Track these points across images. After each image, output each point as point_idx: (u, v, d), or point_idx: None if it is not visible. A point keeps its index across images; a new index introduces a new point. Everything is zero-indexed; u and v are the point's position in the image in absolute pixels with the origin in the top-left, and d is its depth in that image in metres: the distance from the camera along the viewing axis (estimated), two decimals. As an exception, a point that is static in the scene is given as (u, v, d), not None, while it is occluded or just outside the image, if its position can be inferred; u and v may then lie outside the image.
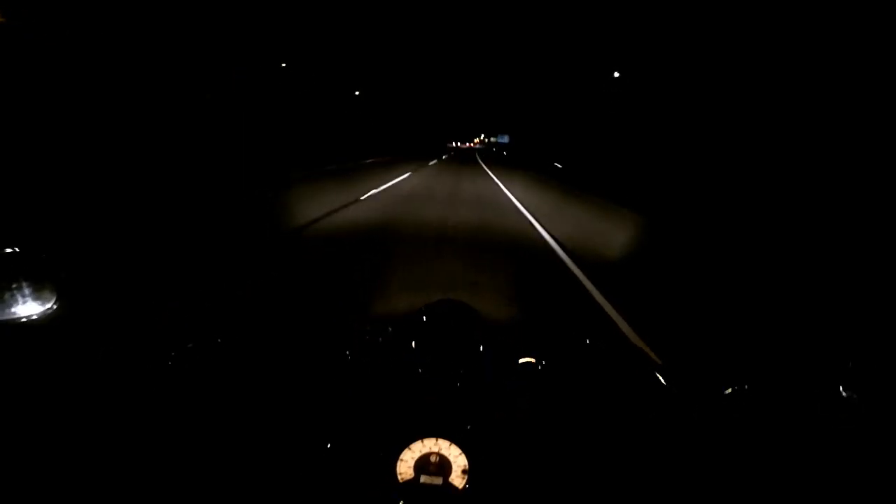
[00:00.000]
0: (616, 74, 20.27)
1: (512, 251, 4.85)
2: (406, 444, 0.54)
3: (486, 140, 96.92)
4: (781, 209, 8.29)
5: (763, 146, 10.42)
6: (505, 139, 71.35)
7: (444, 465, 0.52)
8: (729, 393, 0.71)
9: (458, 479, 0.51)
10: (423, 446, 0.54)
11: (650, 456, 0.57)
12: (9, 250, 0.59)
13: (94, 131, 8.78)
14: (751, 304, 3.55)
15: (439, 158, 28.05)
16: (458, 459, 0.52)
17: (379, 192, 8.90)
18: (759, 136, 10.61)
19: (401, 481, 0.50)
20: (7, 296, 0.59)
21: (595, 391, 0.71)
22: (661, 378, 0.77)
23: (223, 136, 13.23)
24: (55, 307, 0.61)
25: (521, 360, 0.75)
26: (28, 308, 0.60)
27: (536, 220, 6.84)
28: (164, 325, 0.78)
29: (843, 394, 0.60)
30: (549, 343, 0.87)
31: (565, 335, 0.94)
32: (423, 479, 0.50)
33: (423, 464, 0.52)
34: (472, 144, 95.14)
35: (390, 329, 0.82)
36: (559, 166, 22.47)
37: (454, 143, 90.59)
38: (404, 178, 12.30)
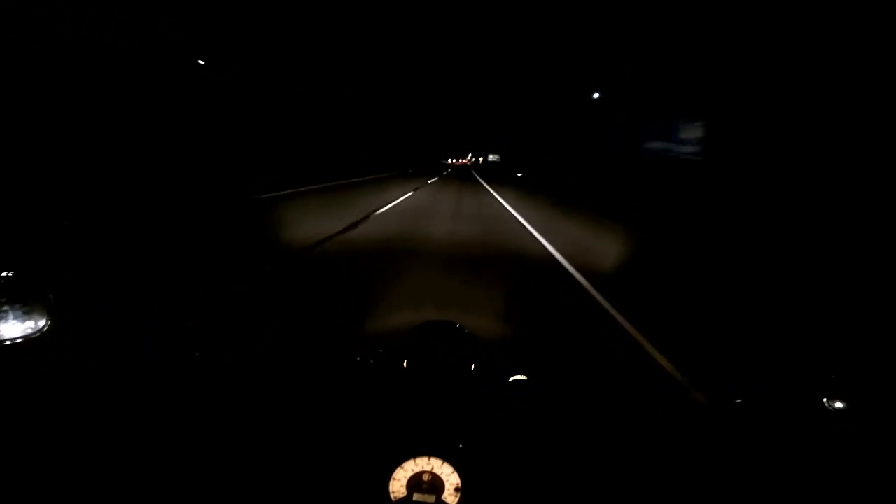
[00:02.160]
0: (596, 95, 20.48)
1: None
2: (399, 462, 0.54)
3: (475, 160, 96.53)
4: (764, 220, 8.39)
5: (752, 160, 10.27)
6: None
7: (436, 484, 0.52)
8: (717, 407, 0.72)
9: (450, 498, 0.51)
10: (416, 465, 0.54)
11: (641, 476, 0.58)
12: (2, 273, 0.60)
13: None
14: (734, 315, 3.58)
15: (440, 175, 28.58)
16: (450, 478, 0.53)
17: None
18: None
19: (394, 500, 0.50)
20: None
21: (587, 409, 0.72)
22: (653, 395, 0.78)
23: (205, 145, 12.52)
24: (46, 328, 0.61)
25: (512, 379, 0.75)
26: (17, 329, 0.60)
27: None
28: (148, 342, 0.77)
29: (827, 406, 0.61)
30: (540, 361, 0.88)
31: (557, 353, 0.95)
32: (415, 497, 0.50)
33: (415, 482, 0.52)
34: (465, 161, 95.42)
35: (381, 350, 0.82)
36: (520, 175, 28.12)
37: (451, 160, 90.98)
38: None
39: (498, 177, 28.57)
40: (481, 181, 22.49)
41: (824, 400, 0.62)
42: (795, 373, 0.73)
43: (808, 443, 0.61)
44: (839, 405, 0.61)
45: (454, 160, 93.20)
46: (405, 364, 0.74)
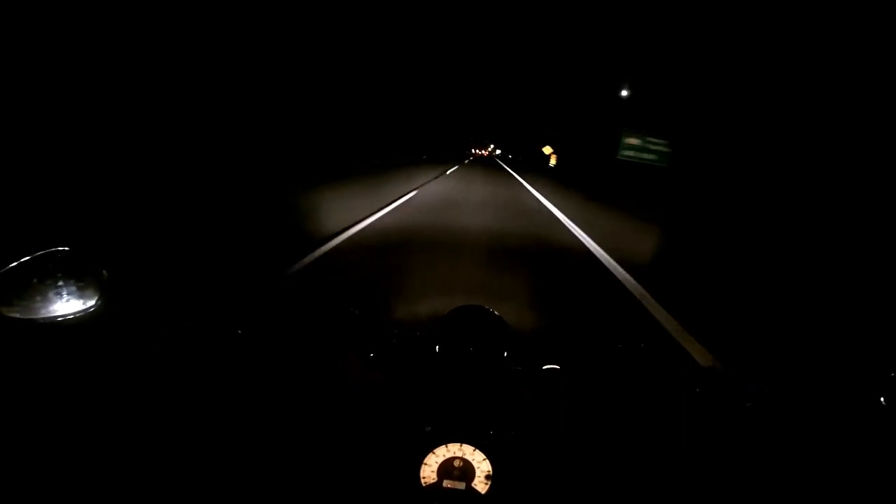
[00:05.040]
0: (624, 93, 19.51)
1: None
2: (430, 448, 0.54)
3: (496, 151, 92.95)
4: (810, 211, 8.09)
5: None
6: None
7: (467, 471, 0.52)
8: (762, 401, 0.69)
9: (481, 485, 0.50)
10: (448, 451, 0.54)
11: (677, 465, 0.56)
12: (58, 248, 0.63)
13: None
14: (792, 308, 3.45)
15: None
16: (481, 465, 0.52)
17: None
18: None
19: (424, 486, 0.50)
20: (51, 293, 0.62)
21: (620, 399, 0.70)
22: (691, 385, 0.76)
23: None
24: (96, 306, 0.64)
25: (545, 367, 0.74)
26: (70, 306, 0.63)
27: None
28: (185, 313, 0.79)
29: (884, 404, 0.58)
30: (574, 350, 0.86)
31: (590, 342, 0.93)
32: (445, 483, 0.50)
33: (446, 469, 0.52)
34: (485, 152, 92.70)
35: (418, 333, 0.82)
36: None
37: (473, 150, 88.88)
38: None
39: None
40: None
41: (881, 399, 0.58)
42: (849, 368, 0.69)
43: (861, 442, 0.58)
44: None
45: (476, 150, 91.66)
46: (437, 349, 0.74)
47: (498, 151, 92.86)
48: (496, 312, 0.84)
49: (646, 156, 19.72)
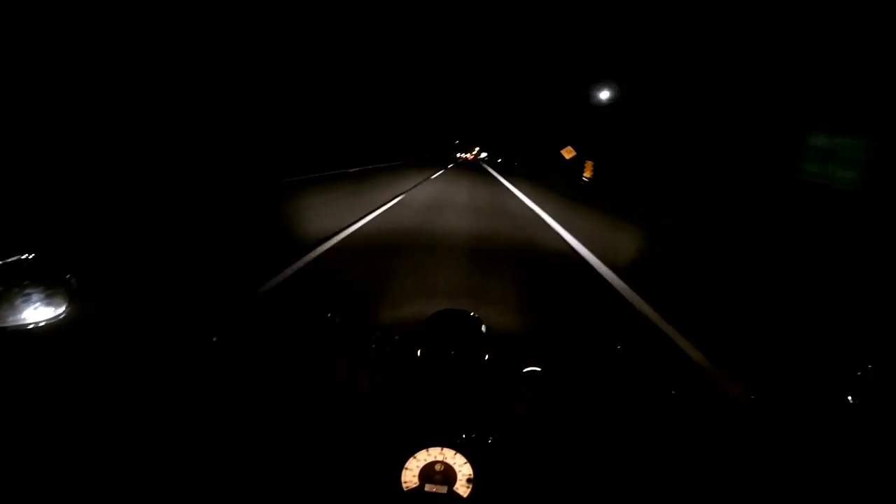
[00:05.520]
0: (605, 96, 18.66)
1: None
2: (411, 452, 0.54)
3: (482, 154, 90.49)
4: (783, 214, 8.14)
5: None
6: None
7: (448, 474, 0.52)
8: (736, 402, 0.71)
9: (462, 488, 0.51)
10: (429, 455, 0.54)
11: (657, 465, 0.57)
12: (25, 255, 0.61)
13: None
14: (757, 309, 3.53)
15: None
16: (462, 468, 0.53)
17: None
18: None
19: (405, 490, 0.50)
20: (19, 301, 0.60)
21: (600, 400, 0.71)
22: (669, 387, 0.77)
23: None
24: (65, 313, 0.62)
25: (525, 370, 0.75)
26: (39, 314, 0.61)
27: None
28: (161, 322, 0.78)
29: (852, 402, 0.60)
30: (554, 352, 0.87)
31: (570, 344, 0.94)
32: (427, 487, 0.50)
33: (427, 472, 0.52)
34: (469, 156, 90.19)
35: (397, 338, 0.82)
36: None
37: (460, 155, 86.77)
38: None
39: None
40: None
41: (849, 398, 0.61)
42: (818, 370, 0.72)
43: (831, 440, 0.60)
44: (864, 403, 0.60)
45: (462, 154, 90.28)
46: (419, 353, 0.74)
47: (483, 155, 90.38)
48: (477, 316, 0.85)
49: (847, 174, 8.76)
